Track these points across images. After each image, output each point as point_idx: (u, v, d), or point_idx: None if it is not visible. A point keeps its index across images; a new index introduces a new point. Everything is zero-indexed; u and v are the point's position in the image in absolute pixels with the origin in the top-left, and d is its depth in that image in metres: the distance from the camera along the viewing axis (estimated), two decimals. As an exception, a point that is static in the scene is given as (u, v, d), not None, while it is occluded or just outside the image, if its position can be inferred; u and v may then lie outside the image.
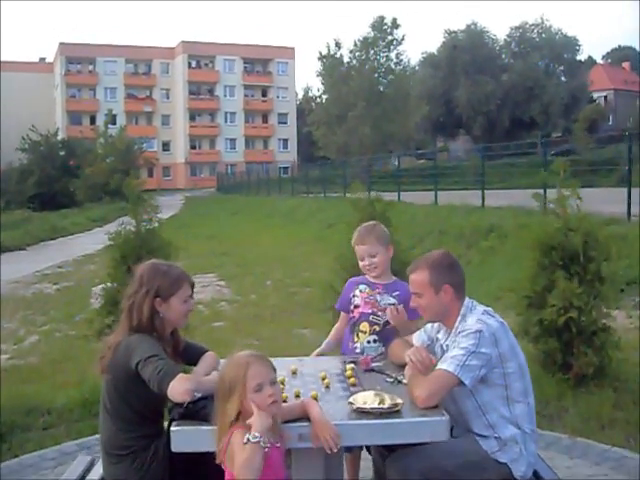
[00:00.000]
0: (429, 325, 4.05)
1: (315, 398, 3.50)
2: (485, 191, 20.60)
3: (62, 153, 60.75)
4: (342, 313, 4.88)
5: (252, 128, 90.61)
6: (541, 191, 15.73)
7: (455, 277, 3.77)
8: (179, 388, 3.30)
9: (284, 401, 3.34)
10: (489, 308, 3.79)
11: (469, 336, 3.54)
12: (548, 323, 6.52)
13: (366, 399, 3.38)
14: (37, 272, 19.98)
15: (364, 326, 4.65)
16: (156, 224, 7.27)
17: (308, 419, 3.23)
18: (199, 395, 3.33)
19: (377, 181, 28.94)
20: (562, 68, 71.11)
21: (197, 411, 3.29)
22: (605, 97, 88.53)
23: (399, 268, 6.45)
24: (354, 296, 4.75)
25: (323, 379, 3.88)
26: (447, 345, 3.76)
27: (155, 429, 3.69)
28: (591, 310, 6.52)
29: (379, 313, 4.63)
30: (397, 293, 4.62)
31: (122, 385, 3.61)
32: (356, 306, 4.73)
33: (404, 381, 3.75)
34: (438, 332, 3.95)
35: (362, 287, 4.73)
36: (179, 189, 77.94)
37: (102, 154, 57.96)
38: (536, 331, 6.73)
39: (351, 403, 3.38)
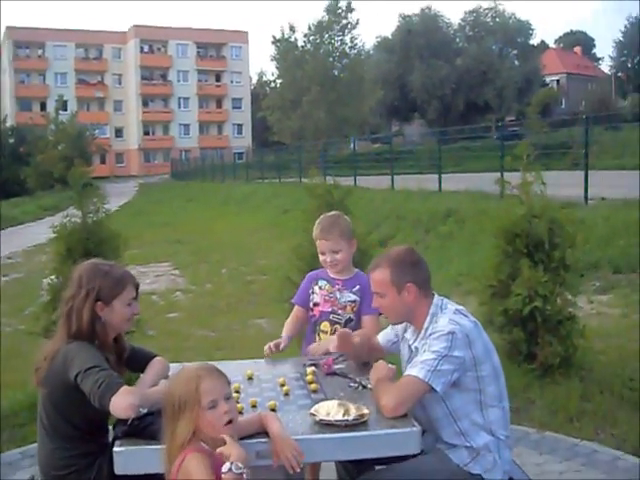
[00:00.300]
0: None
1: (273, 409, 3.25)
2: (442, 175, 20.46)
3: (11, 140, 59.52)
4: (297, 307, 4.63)
5: (206, 113, 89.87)
6: (500, 175, 15.86)
7: (419, 274, 3.50)
8: (122, 403, 3.02)
9: (240, 412, 3.08)
10: (461, 307, 3.52)
11: (440, 338, 3.28)
12: (513, 312, 6.34)
13: (329, 409, 3.11)
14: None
15: (325, 325, 4.43)
16: (103, 215, 6.90)
17: (266, 433, 2.97)
18: (144, 411, 3.04)
19: (333, 166, 28.69)
20: (515, 52, 71.63)
21: (143, 428, 3.01)
22: (557, 81, 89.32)
23: (356, 255, 6.26)
24: (313, 293, 4.53)
25: (282, 385, 3.62)
26: (416, 347, 3.50)
27: (98, 446, 3.36)
28: (556, 299, 6.36)
29: (339, 311, 4.42)
30: (357, 288, 4.41)
31: (60, 399, 3.30)
32: (315, 304, 4.51)
33: (369, 386, 3.51)
34: (405, 331, 3.69)
35: (321, 283, 4.51)
36: (133, 176, 77.10)
37: (53, 141, 56.91)
38: (501, 321, 6.55)
39: (313, 415, 3.12)
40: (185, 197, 41.07)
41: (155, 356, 3.77)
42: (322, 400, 3.30)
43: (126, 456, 2.92)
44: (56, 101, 63.01)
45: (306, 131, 54.45)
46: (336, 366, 3.89)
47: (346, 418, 3.05)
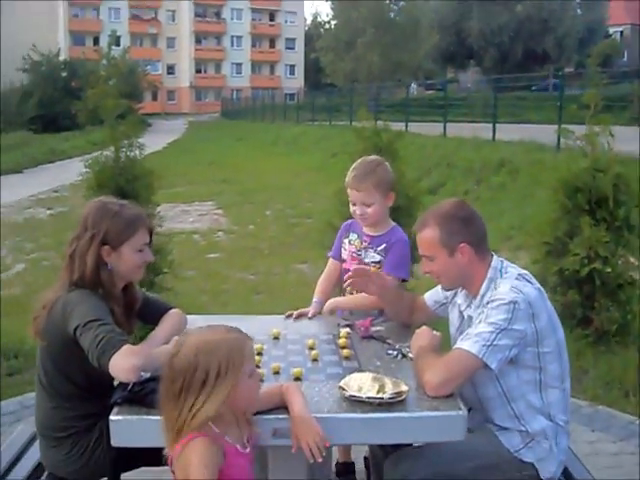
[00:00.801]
0: None
1: (298, 378, 2.86)
2: (496, 124, 19.68)
3: (64, 74, 59.42)
4: (331, 260, 4.19)
5: (259, 53, 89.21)
6: (558, 126, 15.24)
7: (474, 232, 3.05)
8: (122, 364, 2.66)
9: (260, 380, 2.68)
10: (524, 271, 3.06)
11: (500, 308, 2.83)
12: (569, 273, 5.88)
13: (362, 384, 2.68)
14: (32, 196, 19.41)
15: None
16: (137, 151, 6.55)
17: (286, 408, 2.59)
18: (147, 375, 2.68)
19: (385, 110, 27.97)
20: (579, 1, 69.30)
21: (145, 395, 2.61)
22: (621, 32, 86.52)
23: (404, 203, 5.80)
24: (343, 248, 4.11)
25: (311, 348, 3.23)
26: (469, 316, 3.09)
27: (100, 407, 2.89)
28: (617, 261, 5.88)
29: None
30: (383, 247, 3.90)
31: (59, 354, 2.98)
32: (343, 260, 4.08)
33: (410, 355, 3.10)
34: (456, 294, 3.28)
35: (352, 237, 4.06)
36: (184, 113, 77.08)
37: (105, 76, 56.51)
38: (554, 281, 6.11)
39: (342, 389, 2.70)
40: (234, 136, 40.77)
41: (171, 308, 3.42)
42: (355, 371, 2.89)
43: (123, 427, 2.57)
44: (109, 36, 60.51)
45: (359, 74, 53.58)
46: (374, 328, 3.48)
47: (381, 396, 2.62)
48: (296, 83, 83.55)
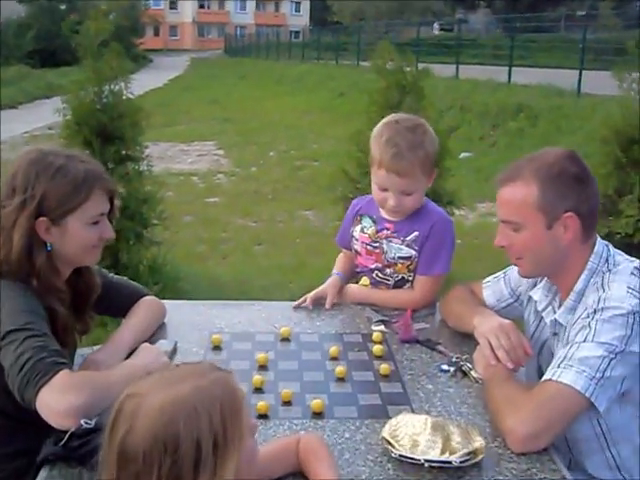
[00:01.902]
0: (514, 272, 2.51)
1: (319, 413, 2.04)
2: (511, 67, 18.74)
3: (63, 7, 58.07)
4: (343, 251, 3.23)
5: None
6: (579, 71, 14.49)
7: (586, 200, 2.17)
8: (55, 403, 1.84)
9: (263, 416, 1.89)
10: (638, 261, 2.21)
11: (615, 321, 2.01)
12: (620, 238, 5.08)
13: (417, 435, 1.82)
14: (26, 133, 18.64)
15: (365, 280, 3.05)
16: (122, 84, 5.74)
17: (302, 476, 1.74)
18: (90, 424, 1.79)
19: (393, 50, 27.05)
20: (593, -62, 67.52)
21: (88, 454, 1.71)
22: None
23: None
24: (353, 237, 3.08)
25: (333, 359, 2.40)
26: (557, 322, 2.27)
27: (36, 442, 1.89)
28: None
29: (386, 270, 2.97)
30: (414, 236, 2.89)
31: None
32: (356, 252, 3.08)
33: (474, 373, 2.29)
34: (531, 288, 2.46)
35: (365, 223, 3.03)
36: (186, 50, 75.69)
37: (105, 10, 55.31)
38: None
39: (388, 443, 1.84)
40: (237, 74, 39.70)
41: (143, 295, 2.62)
42: (401, 405, 2.06)
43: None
44: (110, -32, 61.13)
45: (366, 12, 52.69)
46: (417, 326, 2.63)
47: (448, 459, 1.76)
48: (301, 21, 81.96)
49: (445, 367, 2.35)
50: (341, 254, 3.20)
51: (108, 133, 5.63)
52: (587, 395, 1.93)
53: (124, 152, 5.84)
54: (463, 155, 12.49)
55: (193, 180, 12.28)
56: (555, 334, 2.26)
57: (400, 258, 2.90)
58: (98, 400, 1.86)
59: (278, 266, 7.43)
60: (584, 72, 15.06)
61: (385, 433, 1.86)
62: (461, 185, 7.47)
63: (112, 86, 5.68)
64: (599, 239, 2.25)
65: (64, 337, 2.18)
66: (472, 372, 2.29)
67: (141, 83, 29.13)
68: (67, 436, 1.78)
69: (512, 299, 2.58)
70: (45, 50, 52.34)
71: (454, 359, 2.38)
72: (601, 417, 2.07)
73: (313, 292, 2.94)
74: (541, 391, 1.99)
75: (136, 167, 5.94)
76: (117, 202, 2.32)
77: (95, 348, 2.33)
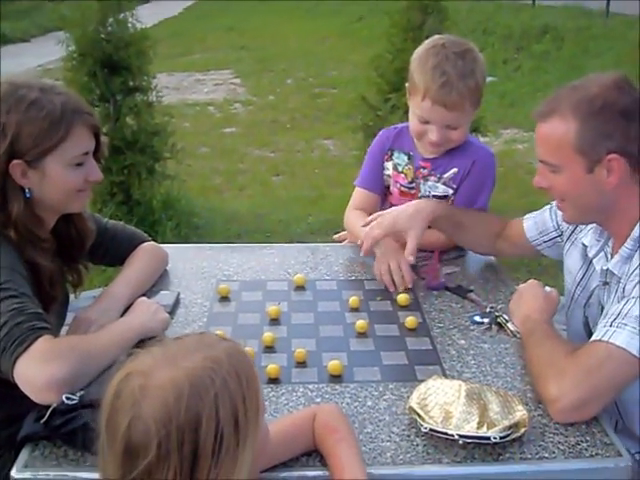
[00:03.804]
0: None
1: (337, 375, 1.82)
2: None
3: None
4: (360, 192, 2.85)
5: None
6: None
7: (634, 138, 1.84)
8: (34, 375, 1.63)
9: (274, 379, 1.67)
10: None
11: None
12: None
13: (449, 405, 1.59)
14: (39, 66, 18.10)
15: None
16: (127, 13, 5.45)
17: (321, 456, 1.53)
18: (74, 400, 1.56)
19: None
20: None
21: (71, 433, 1.52)
22: None
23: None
24: (386, 175, 2.78)
25: (353, 309, 2.16)
26: (608, 271, 1.98)
27: (29, 407, 1.68)
28: None
29: None
30: (453, 172, 2.62)
31: None
32: (387, 190, 2.79)
33: (510, 325, 2.04)
34: (581, 230, 2.17)
35: (398, 159, 2.72)
36: (202, -24, 74.29)
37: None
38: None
39: (417, 413, 1.60)
40: (254, -1, 39.04)
41: (143, 241, 2.37)
42: (426, 365, 1.83)
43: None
44: None
45: None
46: (446, 270, 2.36)
47: (486, 433, 1.52)
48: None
49: (478, 319, 2.12)
50: (351, 217, 2.79)
51: (114, 63, 5.37)
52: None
53: (131, 83, 5.57)
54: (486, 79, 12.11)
55: (209, 110, 11.96)
56: (606, 283, 1.99)
57: (435, 197, 2.63)
58: (84, 370, 1.66)
59: (296, 198, 7.19)
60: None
61: (413, 402, 1.63)
62: (485, 110, 7.17)
63: (116, 15, 5.36)
64: None
65: (52, 291, 1.96)
66: (509, 324, 2.05)
67: (155, 11, 28.63)
68: (49, 413, 1.55)
69: (556, 234, 2.32)
70: (58, -20, 51.63)
71: (488, 309, 2.14)
72: None
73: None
74: (590, 353, 1.74)
75: (145, 98, 5.68)
76: (104, 139, 2.05)
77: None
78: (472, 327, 2.08)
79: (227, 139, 9.95)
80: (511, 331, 2.03)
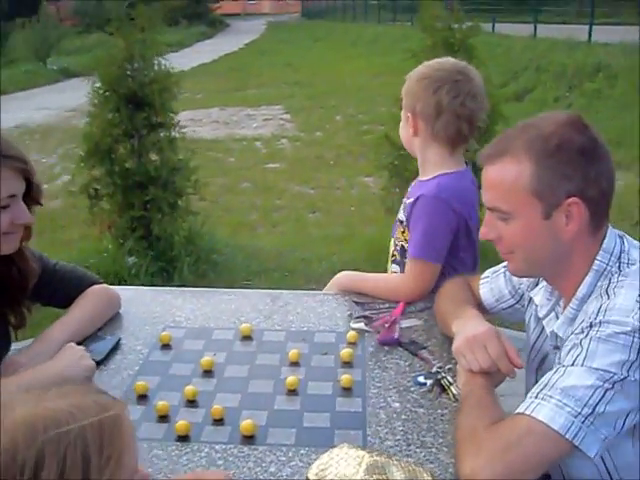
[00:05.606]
0: None
1: (249, 435, 1.69)
2: (593, 25, 17.79)
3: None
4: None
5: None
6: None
7: (594, 180, 1.67)
8: None
9: (181, 437, 1.56)
10: None
11: (615, 341, 1.53)
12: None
13: (348, 478, 1.41)
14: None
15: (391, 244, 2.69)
16: (153, 50, 5.49)
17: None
18: None
19: (469, 10, 26.21)
20: None
21: None
22: None
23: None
24: None
25: (292, 363, 2.05)
26: (554, 334, 1.80)
27: None
28: None
29: (396, 232, 2.63)
30: (411, 200, 2.50)
31: None
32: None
33: (454, 390, 1.86)
34: (533, 288, 1.97)
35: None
36: (264, 14, 75.30)
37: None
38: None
39: None
40: (313, 37, 39.29)
41: (92, 283, 2.29)
42: (347, 430, 1.69)
43: None
44: None
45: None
46: (405, 323, 2.21)
47: None
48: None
49: (422, 379, 1.93)
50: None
51: (138, 100, 5.41)
52: (568, 437, 1.48)
53: (155, 119, 5.58)
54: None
55: (256, 145, 12.02)
56: (557, 348, 1.80)
57: (398, 220, 2.57)
58: None
59: (326, 236, 7.10)
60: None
61: (311, 473, 1.48)
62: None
63: (142, 51, 5.41)
64: (611, 229, 1.76)
65: None
66: (452, 387, 1.86)
67: (216, 48, 29.02)
68: None
69: (513, 300, 2.13)
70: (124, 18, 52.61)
71: (435, 369, 1.95)
72: (605, 457, 1.64)
73: None
74: (512, 427, 1.53)
75: (167, 134, 5.68)
76: (37, 181, 1.98)
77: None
78: (413, 388, 1.90)
79: (269, 175, 9.96)
80: (453, 395, 1.84)
